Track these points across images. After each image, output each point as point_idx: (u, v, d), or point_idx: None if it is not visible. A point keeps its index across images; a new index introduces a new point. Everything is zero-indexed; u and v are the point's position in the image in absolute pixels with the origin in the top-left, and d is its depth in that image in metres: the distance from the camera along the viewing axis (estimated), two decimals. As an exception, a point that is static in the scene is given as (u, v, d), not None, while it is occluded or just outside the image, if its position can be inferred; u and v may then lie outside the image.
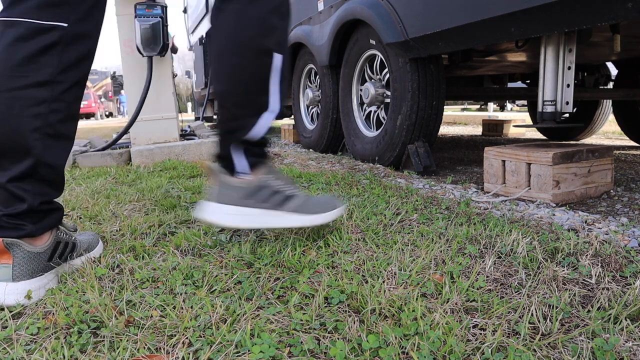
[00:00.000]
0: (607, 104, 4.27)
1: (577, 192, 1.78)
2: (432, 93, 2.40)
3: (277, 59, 1.00)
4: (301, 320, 0.78)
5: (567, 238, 1.14)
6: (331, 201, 1.16)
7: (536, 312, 0.78)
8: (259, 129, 1.02)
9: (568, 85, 1.85)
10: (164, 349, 0.70)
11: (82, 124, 15.79)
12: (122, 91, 30.03)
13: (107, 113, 28.94)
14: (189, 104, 18.27)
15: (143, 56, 2.80)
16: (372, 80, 2.78)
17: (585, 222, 1.33)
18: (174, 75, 4.02)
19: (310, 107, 3.79)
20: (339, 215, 1.19)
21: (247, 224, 1.06)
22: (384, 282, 0.92)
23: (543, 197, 1.71)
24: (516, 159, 1.80)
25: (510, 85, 4.42)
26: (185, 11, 8.58)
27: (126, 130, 2.89)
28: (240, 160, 1.04)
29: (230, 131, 1.04)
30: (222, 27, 1.02)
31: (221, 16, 1.02)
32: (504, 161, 1.85)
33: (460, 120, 9.10)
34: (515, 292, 0.88)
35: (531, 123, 5.27)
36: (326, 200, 1.16)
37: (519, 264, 1.01)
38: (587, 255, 1.03)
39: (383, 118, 2.71)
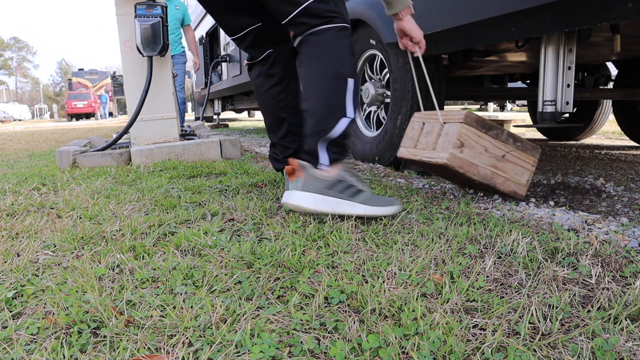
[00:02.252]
0: (607, 104, 4.27)
1: (481, 170, 1.58)
2: (432, 93, 2.40)
3: (351, 82, 1.38)
4: (301, 320, 0.78)
5: (567, 238, 1.14)
6: (391, 200, 1.38)
7: (536, 312, 0.78)
8: (338, 129, 1.34)
9: (568, 85, 1.85)
10: (164, 349, 0.70)
11: (82, 124, 15.78)
12: (102, 90, 30.01)
13: (108, 112, 29.01)
14: (189, 104, 18.27)
15: (143, 56, 2.79)
16: (372, 80, 2.78)
17: (586, 222, 1.33)
18: (174, 75, 4.01)
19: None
20: (397, 211, 1.37)
21: (326, 209, 1.29)
22: (384, 282, 0.92)
23: (440, 157, 1.55)
24: (434, 120, 1.69)
25: (510, 85, 4.42)
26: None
27: (126, 130, 2.89)
28: (323, 155, 1.33)
29: (319, 131, 1.34)
30: (311, 60, 1.39)
31: (309, 49, 1.39)
32: (423, 123, 1.74)
33: (460, 120, 9.09)
34: (515, 292, 0.88)
35: (531, 123, 5.27)
36: (387, 198, 1.39)
37: (519, 264, 1.01)
38: (587, 255, 1.03)
39: (383, 118, 2.71)
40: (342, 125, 1.35)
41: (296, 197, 1.29)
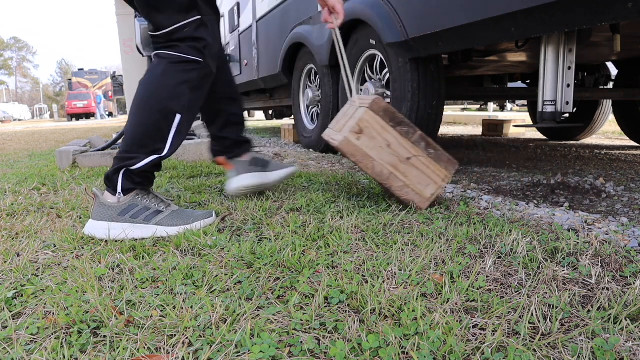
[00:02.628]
0: (607, 104, 4.27)
1: (377, 166, 1.43)
2: (432, 93, 2.40)
3: (178, 118, 1.32)
4: (301, 320, 0.78)
5: (567, 238, 1.14)
6: (200, 214, 1.36)
7: (536, 312, 0.78)
8: (145, 164, 1.29)
9: (568, 85, 1.85)
10: (164, 349, 0.70)
11: (82, 124, 15.79)
12: (98, 91, 29.81)
13: (107, 113, 29.04)
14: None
15: (143, 56, 2.80)
16: (372, 80, 2.78)
17: (586, 222, 1.33)
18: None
19: (310, 107, 3.79)
20: (206, 225, 1.35)
21: (119, 235, 1.25)
22: (384, 282, 0.92)
23: (336, 139, 1.48)
24: (354, 104, 1.58)
25: (510, 85, 4.42)
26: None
27: (126, 130, 2.88)
28: (121, 183, 1.29)
29: (123, 159, 1.29)
30: (148, 79, 1.32)
31: (152, 67, 1.32)
32: (350, 106, 1.64)
33: (460, 120, 9.10)
34: (515, 292, 0.88)
35: (531, 123, 5.27)
36: (198, 213, 1.37)
37: (519, 264, 1.01)
38: (587, 255, 1.03)
39: (383, 118, 2.71)
40: (149, 160, 1.30)
41: (88, 226, 1.26)
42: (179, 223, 1.31)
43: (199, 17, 1.31)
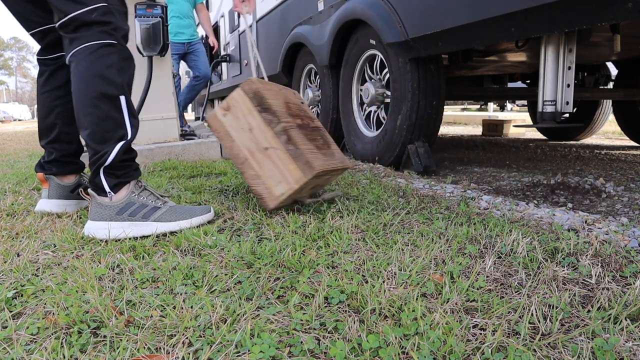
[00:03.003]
0: (607, 104, 4.28)
1: (235, 147, 1.40)
2: (432, 93, 2.40)
3: (123, 99, 1.30)
4: (301, 320, 0.78)
5: (567, 238, 1.14)
6: (196, 210, 1.36)
7: (536, 312, 0.78)
8: (116, 154, 1.28)
9: (568, 85, 1.85)
10: (164, 349, 0.70)
11: (82, 123, 15.72)
12: None
13: None
14: (190, 105, 18.26)
15: (143, 56, 2.79)
16: (372, 80, 2.78)
17: (585, 222, 1.33)
18: (174, 75, 4.01)
19: (310, 107, 3.79)
20: (204, 221, 1.35)
21: (119, 235, 1.26)
22: (384, 282, 0.92)
23: (209, 114, 1.47)
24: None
25: (510, 85, 4.42)
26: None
27: (126, 130, 2.88)
28: (105, 182, 1.29)
29: (95, 161, 1.29)
30: (75, 81, 1.29)
31: (73, 69, 1.29)
32: None
33: (460, 120, 9.10)
34: (515, 292, 0.88)
35: (531, 123, 5.27)
36: (193, 209, 1.36)
37: (519, 264, 1.01)
38: (587, 255, 1.03)
39: (383, 118, 2.71)
40: (117, 149, 1.28)
41: (87, 227, 1.27)
42: (178, 218, 1.31)
43: (105, 4, 1.29)
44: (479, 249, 1.10)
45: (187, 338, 0.73)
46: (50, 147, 1.56)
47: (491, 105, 10.85)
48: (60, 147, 1.56)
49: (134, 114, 1.34)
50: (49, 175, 1.56)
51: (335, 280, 0.92)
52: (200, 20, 4.90)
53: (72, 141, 1.58)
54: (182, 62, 4.97)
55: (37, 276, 0.99)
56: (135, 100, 2.83)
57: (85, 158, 1.40)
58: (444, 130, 6.64)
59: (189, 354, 0.69)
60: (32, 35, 1.52)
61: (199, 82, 4.62)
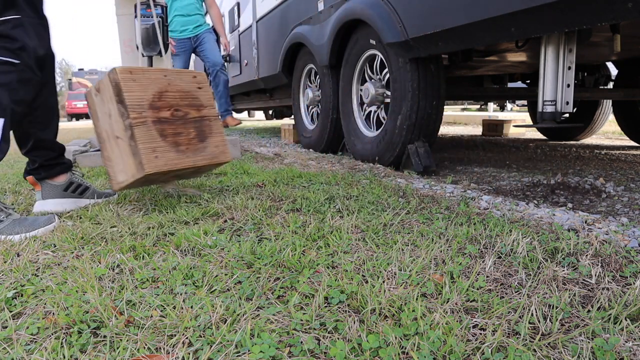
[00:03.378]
0: (607, 104, 4.28)
1: (98, 126, 1.49)
2: (432, 93, 2.40)
3: (1, 122, 1.26)
4: (301, 320, 0.78)
5: (567, 238, 1.14)
6: (42, 220, 1.33)
7: (536, 312, 0.78)
8: None
9: (568, 85, 1.85)
10: (164, 349, 0.70)
11: (82, 124, 15.76)
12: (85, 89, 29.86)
13: None
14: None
15: (143, 56, 2.79)
16: (372, 80, 2.78)
17: (586, 222, 1.33)
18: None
19: (310, 107, 3.79)
20: (47, 231, 1.32)
21: None
22: (384, 282, 0.92)
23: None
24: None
25: (510, 85, 4.42)
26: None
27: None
28: None
29: None
30: None
31: None
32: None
33: (460, 120, 9.11)
34: (515, 292, 0.88)
35: (531, 123, 5.27)
36: (35, 220, 1.33)
37: (519, 264, 1.01)
38: (587, 255, 1.03)
39: (383, 118, 2.71)
40: None
41: None
42: (21, 231, 1.28)
43: (18, 16, 1.24)
44: (479, 249, 1.10)
45: (187, 338, 0.73)
46: (31, 155, 1.55)
47: (491, 105, 10.85)
48: (41, 154, 1.55)
49: (5, 139, 1.29)
50: (39, 178, 1.56)
51: (335, 280, 0.92)
52: (211, 17, 4.58)
53: (52, 146, 1.56)
54: (194, 57, 4.73)
55: (37, 276, 0.99)
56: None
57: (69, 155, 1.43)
58: (444, 130, 6.64)
59: (189, 354, 0.69)
60: None
61: (214, 73, 4.41)
